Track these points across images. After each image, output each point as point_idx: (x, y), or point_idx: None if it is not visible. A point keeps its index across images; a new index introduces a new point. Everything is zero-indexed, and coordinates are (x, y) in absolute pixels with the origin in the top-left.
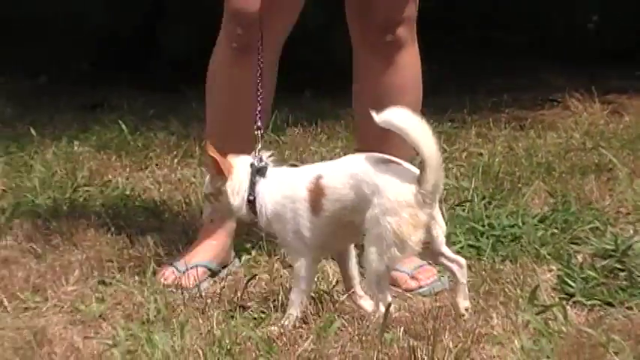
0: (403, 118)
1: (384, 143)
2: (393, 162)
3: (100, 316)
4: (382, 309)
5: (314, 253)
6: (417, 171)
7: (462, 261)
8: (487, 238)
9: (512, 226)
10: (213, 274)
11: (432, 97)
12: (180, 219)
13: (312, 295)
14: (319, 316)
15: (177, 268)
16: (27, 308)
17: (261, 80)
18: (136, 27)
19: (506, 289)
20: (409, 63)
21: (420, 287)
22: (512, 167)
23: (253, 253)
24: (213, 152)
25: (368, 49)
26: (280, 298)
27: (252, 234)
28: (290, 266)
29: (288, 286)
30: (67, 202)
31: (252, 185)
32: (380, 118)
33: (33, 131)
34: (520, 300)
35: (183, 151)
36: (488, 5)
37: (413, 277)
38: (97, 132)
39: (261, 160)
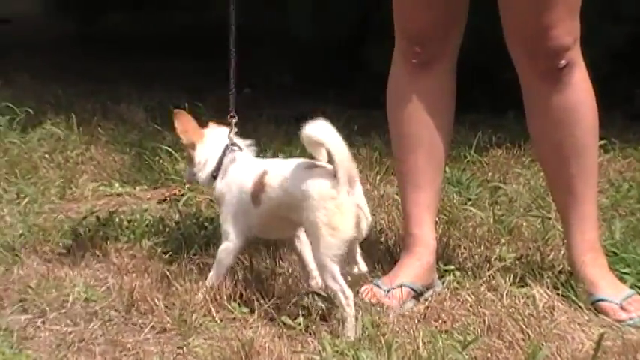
0: (317, 131)
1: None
2: (317, 166)
3: (306, 329)
4: (343, 300)
5: (241, 242)
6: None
7: (364, 268)
8: None
9: None
10: (417, 294)
11: None
12: (384, 237)
13: (518, 317)
14: (524, 341)
15: (381, 287)
16: (234, 319)
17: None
18: (341, 40)
19: None
20: (582, 80)
21: (631, 318)
22: None
23: (458, 274)
24: (179, 122)
25: (539, 76)
26: (486, 320)
27: (456, 254)
28: (494, 289)
29: (493, 308)
30: None
31: (220, 163)
32: (303, 133)
33: None
34: None
35: (385, 169)
36: None
37: (622, 308)
38: (301, 146)
39: (233, 144)
